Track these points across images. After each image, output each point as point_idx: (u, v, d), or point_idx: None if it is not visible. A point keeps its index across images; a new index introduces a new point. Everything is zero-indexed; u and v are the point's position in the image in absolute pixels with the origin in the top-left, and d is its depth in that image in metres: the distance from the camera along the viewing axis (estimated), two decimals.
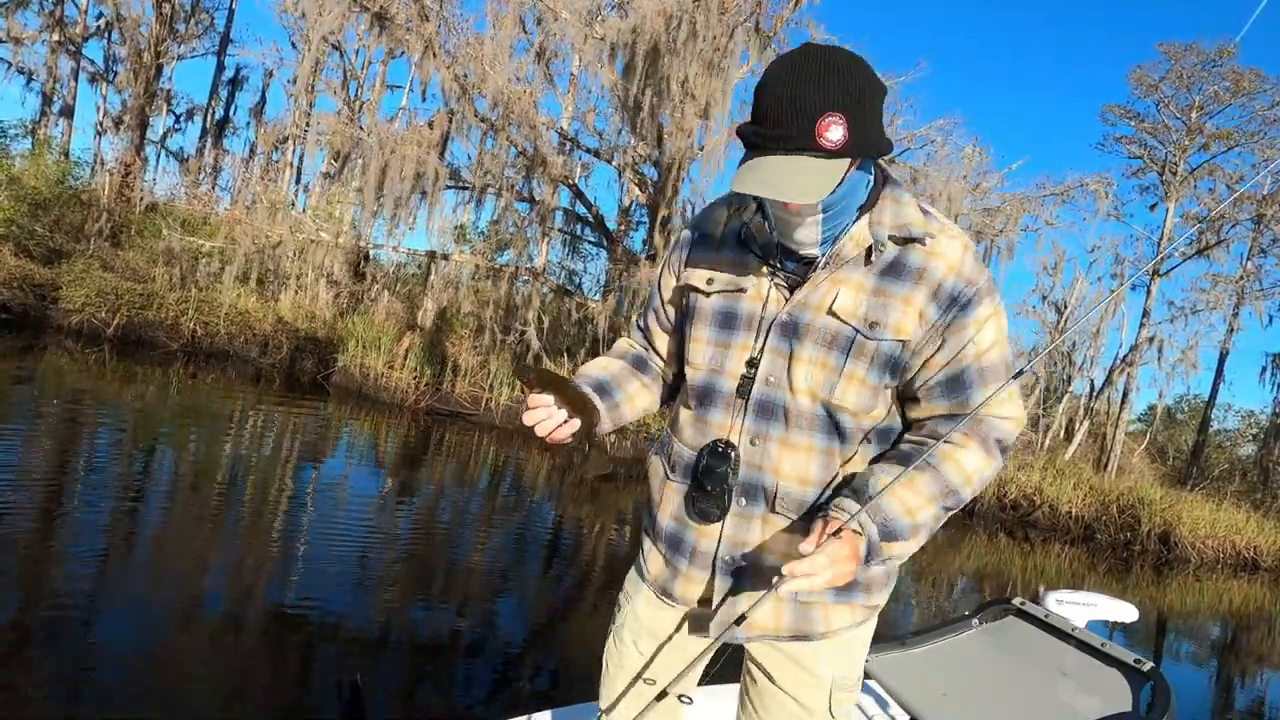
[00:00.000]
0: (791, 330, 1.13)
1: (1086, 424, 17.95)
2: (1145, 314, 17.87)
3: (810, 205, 1.02)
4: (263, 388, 10.28)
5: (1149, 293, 17.97)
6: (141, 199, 15.59)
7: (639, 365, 1.35)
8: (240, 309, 11.99)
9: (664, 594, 1.28)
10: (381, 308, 13.12)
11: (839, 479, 1.14)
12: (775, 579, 1.02)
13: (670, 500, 1.25)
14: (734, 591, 1.19)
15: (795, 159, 0.99)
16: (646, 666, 1.30)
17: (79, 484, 4.90)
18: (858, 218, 1.11)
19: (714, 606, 1.20)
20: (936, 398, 1.12)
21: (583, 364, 1.39)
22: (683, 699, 1.30)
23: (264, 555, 4.28)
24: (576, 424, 1.18)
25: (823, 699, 1.22)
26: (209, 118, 20.25)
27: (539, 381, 1.17)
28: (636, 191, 12.11)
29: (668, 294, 1.31)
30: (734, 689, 1.70)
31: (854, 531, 1.04)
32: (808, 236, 1.07)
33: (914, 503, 1.08)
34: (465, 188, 11.48)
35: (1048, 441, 16.88)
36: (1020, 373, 1.13)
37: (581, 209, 12.30)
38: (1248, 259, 18.29)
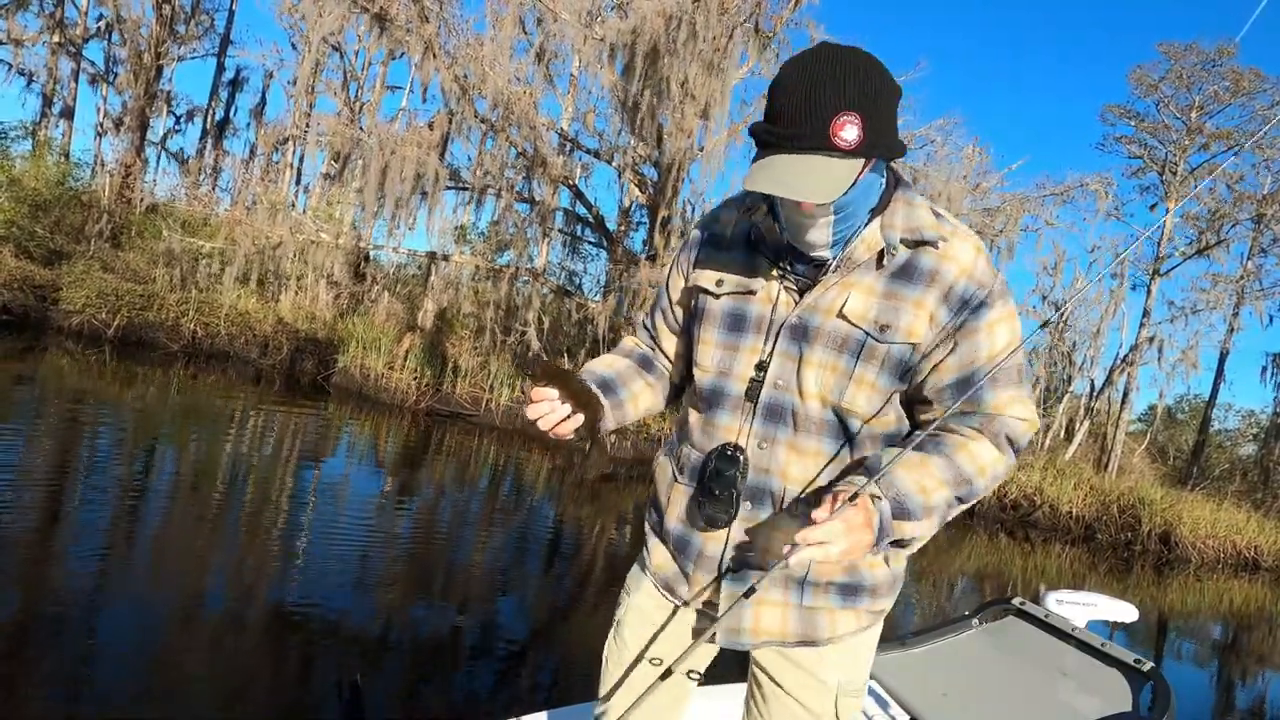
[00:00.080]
0: (801, 333, 1.12)
1: (1087, 424, 17.95)
2: (1145, 314, 17.88)
3: (823, 206, 1.01)
4: (263, 388, 10.28)
5: (1149, 292, 17.97)
6: (142, 200, 15.61)
7: (644, 364, 1.34)
8: (240, 310, 11.99)
9: (668, 591, 1.28)
10: (382, 309, 13.13)
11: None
12: (786, 548, 0.99)
13: (678, 502, 1.25)
14: (739, 598, 1.18)
15: (809, 158, 0.98)
16: (647, 648, 1.30)
17: (80, 484, 4.90)
18: (869, 220, 1.09)
19: (719, 612, 1.20)
20: (948, 399, 1.10)
21: (587, 362, 1.39)
22: (692, 675, 1.30)
23: (264, 555, 4.29)
24: (580, 419, 1.16)
25: (829, 704, 1.21)
26: (209, 119, 20.27)
27: (544, 375, 1.16)
28: (636, 192, 12.11)
29: (676, 294, 1.30)
30: (734, 689, 1.70)
31: (870, 498, 1.01)
32: (819, 238, 1.06)
33: (928, 483, 1.05)
34: (465, 188, 11.49)
35: (1048, 441, 16.87)
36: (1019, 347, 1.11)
37: (581, 209, 12.31)
38: (1248, 258, 18.30)
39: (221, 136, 20.35)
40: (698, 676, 1.30)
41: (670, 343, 1.34)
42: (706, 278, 1.22)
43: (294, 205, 18.14)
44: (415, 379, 11.08)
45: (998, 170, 14.76)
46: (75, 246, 12.52)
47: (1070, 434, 18.05)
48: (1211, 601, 9.47)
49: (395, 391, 10.99)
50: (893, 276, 1.09)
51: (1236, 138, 17.46)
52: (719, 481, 1.14)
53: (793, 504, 1.14)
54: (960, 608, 5.97)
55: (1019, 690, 2.09)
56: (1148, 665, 1.97)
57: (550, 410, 1.14)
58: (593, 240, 13.02)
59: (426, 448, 8.98)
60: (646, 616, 1.30)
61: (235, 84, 20.30)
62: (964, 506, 1.09)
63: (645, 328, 1.38)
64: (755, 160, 1.02)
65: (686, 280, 1.27)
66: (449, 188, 11.30)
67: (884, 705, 2.07)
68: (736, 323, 1.17)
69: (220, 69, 19.86)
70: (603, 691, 1.34)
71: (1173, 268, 18.21)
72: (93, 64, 18.83)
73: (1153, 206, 18.91)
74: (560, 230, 12.64)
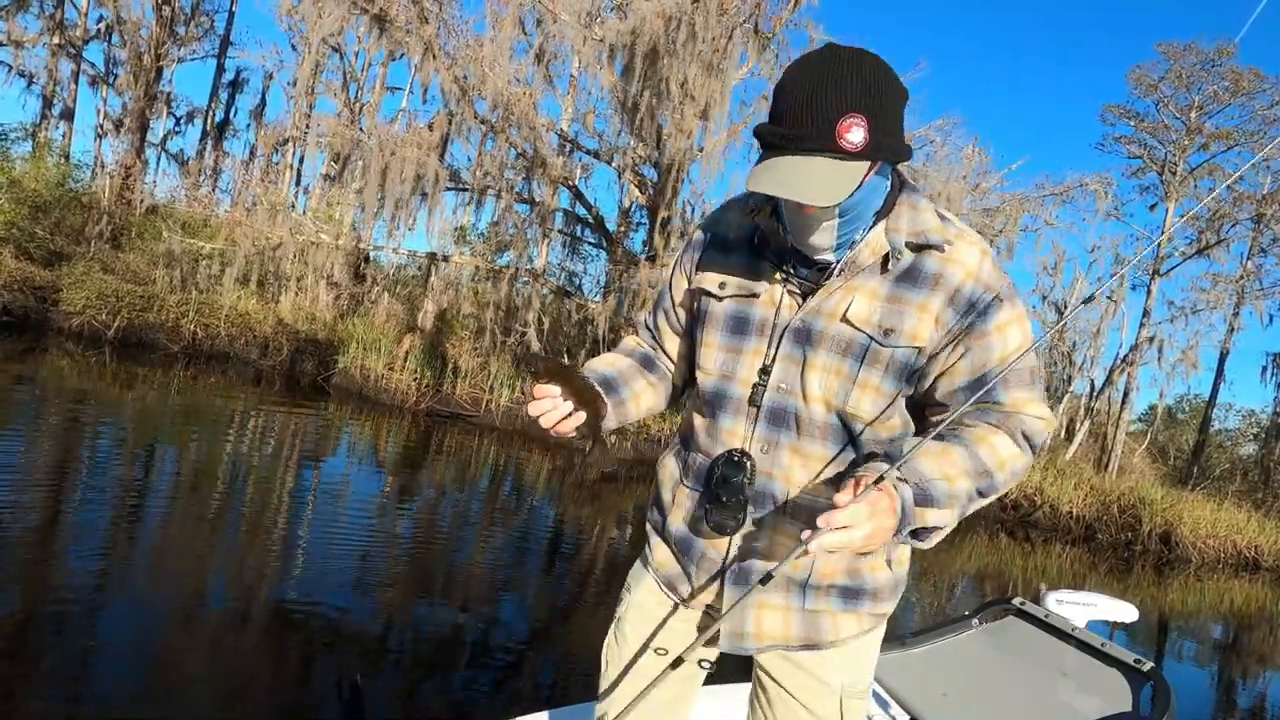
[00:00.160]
0: (805, 337, 1.11)
1: (1087, 424, 17.95)
2: (1145, 314, 17.88)
3: (827, 208, 1.00)
4: (263, 389, 10.28)
5: (1149, 292, 17.98)
6: (142, 201, 15.62)
7: (646, 364, 1.33)
8: (240, 311, 11.99)
9: (670, 589, 1.27)
10: (382, 309, 13.13)
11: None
12: (806, 534, 0.95)
13: (682, 504, 1.24)
14: (741, 603, 1.17)
15: (813, 160, 0.97)
16: (647, 644, 1.29)
17: (80, 485, 4.90)
18: (874, 224, 1.08)
19: (722, 615, 1.19)
20: (961, 401, 1.09)
21: (588, 360, 1.38)
22: (703, 664, 1.30)
23: (264, 556, 4.29)
24: (582, 417, 1.15)
25: (834, 706, 1.21)
26: (209, 120, 20.28)
27: (546, 372, 1.14)
28: (636, 193, 12.11)
29: (679, 296, 1.30)
30: (734, 689, 1.70)
31: (894, 484, 0.97)
32: (822, 241, 1.05)
33: (950, 471, 1.02)
34: (465, 189, 11.49)
35: (1049, 441, 16.86)
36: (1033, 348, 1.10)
37: (581, 210, 12.31)
38: (1248, 258, 18.31)
39: (221, 138, 20.38)
40: (709, 666, 1.30)
41: (672, 343, 1.33)
42: (709, 280, 1.21)
43: (294, 206, 18.15)
44: (415, 380, 11.08)
45: (997, 170, 14.78)
46: (75, 248, 12.52)
47: (1070, 434, 18.05)
48: (1212, 601, 9.47)
49: (395, 392, 10.99)
50: (897, 280, 1.08)
51: (1237, 137, 17.48)
52: (726, 488, 1.13)
53: (795, 508, 1.13)
54: (960, 608, 5.97)
55: (1019, 690, 2.09)
56: (1148, 665, 1.97)
57: (552, 408, 1.13)
58: (592, 241, 13.02)
59: (426, 448, 8.98)
60: (648, 613, 1.30)
61: (235, 85, 20.33)
62: (983, 502, 1.06)
63: (647, 328, 1.38)
64: (759, 161, 1.01)
65: (689, 282, 1.26)
66: (449, 189, 11.30)
67: (884, 705, 2.07)
68: (739, 326, 1.17)
69: (220, 70, 19.89)
70: (603, 688, 1.33)
71: (1173, 268, 18.23)
72: (93, 65, 18.86)
73: (1152, 206, 18.94)
74: (560, 231, 12.64)
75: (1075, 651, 2.11)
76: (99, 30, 18.38)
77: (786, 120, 0.98)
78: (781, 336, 1.12)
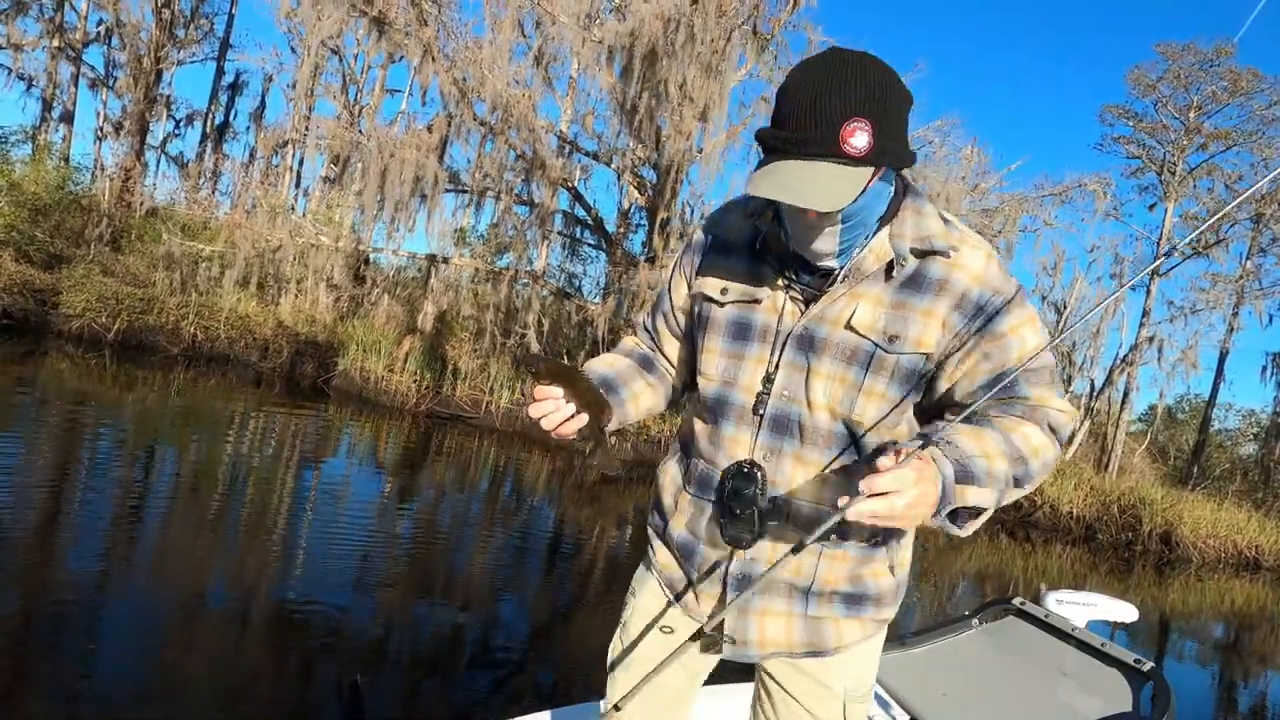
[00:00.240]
0: (808, 344, 1.10)
1: (1087, 424, 17.94)
2: (1145, 314, 17.89)
3: (829, 214, 0.99)
4: (263, 392, 10.28)
5: (1149, 292, 17.99)
6: (142, 204, 15.62)
7: (645, 365, 1.32)
8: (240, 313, 12.00)
9: (673, 592, 1.27)
10: (381, 311, 13.13)
11: (854, 493, 1.12)
12: (842, 501, 0.91)
13: (684, 510, 1.23)
14: (744, 608, 1.18)
15: (816, 164, 0.95)
16: (649, 642, 1.29)
17: (80, 487, 4.90)
18: (878, 229, 1.07)
19: (724, 622, 1.19)
20: (983, 402, 1.06)
21: (587, 361, 1.36)
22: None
23: (265, 557, 4.29)
24: (584, 419, 1.12)
25: (837, 711, 1.22)
26: (209, 123, 20.29)
27: (547, 372, 1.11)
28: (635, 194, 12.12)
29: (679, 299, 1.28)
30: (734, 688, 1.70)
31: (933, 458, 0.93)
32: (825, 247, 1.04)
33: (989, 450, 0.98)
34: (464, 191, 11.50)
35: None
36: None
37: (581, 212, 12.32)
38: (1247, 258, 18.32)
39: (221, 140, 20.39)
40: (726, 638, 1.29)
41: (672, 346, 1.32)
42: (711, 285, 1.19)
43: (293, 208, 18.15)
44: (415, 381, 11.08)
45: (996, 171, 14.82)
46: (75, 250, 12.53)
47: (1070, 434, 18.03)
48: (1212, 601, 9.47)
49: (395, 394, 10.99)
50: (901, 287, 1.07)
51: (1235, 137, 17.49)
52: (739, 500, 1.11)
53: (797, 520, 1.12)
54: (960, 608, 5.97)
55: (1019, 690, 2.09)
56: (1148, 665, 1.97)
57: (554, 409, 1.10)
58: (592, 242, 13.03)
59: (426, 450, 8.98)
60: (653, 617, 1.29)
61: (235, 88, 20.35)
62: (1017, 493, 1.02)
63: (646, 329, 1.36)
64: (760, 165, 1.00)
65: (690, 286, 1.25)
66: (448, 190, 11.31)
67: (884, 705, 2.07)
68: (741, 331, 1.16)
69: (220, 73, 19.90)
70: (610, 692, 1.33)
71: (1172, 268, 18.23)
72: (92, 68, 18.87)
73: (1151, 206, 18.95)
74: (559, 232, 12.65)
75: (1075, 651, 2.11)
76: (99, 33, 18.40)
77: (789, 124, 0.97)
78: (784, 343, 1.11)
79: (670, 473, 1.29)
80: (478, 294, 12.04)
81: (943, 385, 1.10)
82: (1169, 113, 18.07)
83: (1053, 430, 1.06)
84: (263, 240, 11.46)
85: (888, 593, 1.20)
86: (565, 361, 1.17)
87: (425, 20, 10.35)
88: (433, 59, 10.34)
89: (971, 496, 0.95)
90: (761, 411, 1.13)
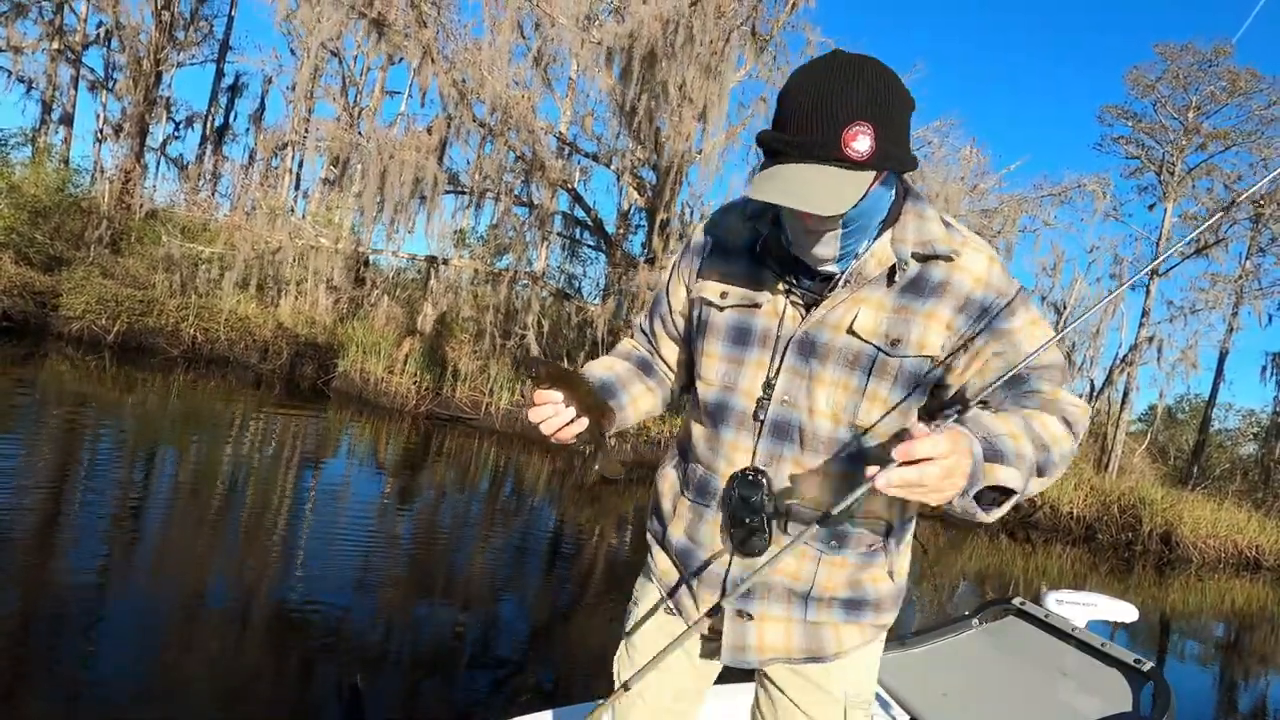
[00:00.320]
0: (809, 349, 1.09)
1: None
2: (1144, 314, 17.89)
3: (830, 219, 0.97)
4: (263, 393, 10.28)
5: (1148, 292, 17.99)
6: (141, 206, 15.62)
7: (644, 368, 1.31)
8: (240, 315, 12.00)
9: (674, 601, 1.26)
10: (381, 313, 13.13)
11: (858, 502, 1.10)
12: (873, 470, 0.86)
13: (683, 516, 1.23)
14: (742, 614, 1.17)
15: (818, 168, 0.95)
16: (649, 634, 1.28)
17: (80, 489, 4.90)
18: (879, 234, 1.06)
19: (723, 627, 1.19)
20: (1000, 397, 1.05)
21: (585, 364, 1.36)
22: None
23: (265, 558, 4.29)
24: (585, 423, 1.10)
25: (837, 715, 1.21)
26: (208, 124, 20.30)
27: (547, 376, 1.09)
28: (635, 195, 12.13)
29: (677, 303, 1.27)
30: (734, 688, 1.70)
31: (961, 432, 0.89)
32: (825, 252, 1.03)
33: (1014, 431, 0.95)
34: (464, 192, 11.50)
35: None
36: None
37: (580, 213, 12.33)
38: (1246, 258, 18.33)
39: (221, 142, 20.40)
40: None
41: (670, 349, 1.31)
42: (710, 289, 1.18)
43: (293, 210, 18.14)
44: (415, 383, 11.09)
45: (995, 171, 14.83)
46: (75, 253, 12.53)
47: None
48: (1213, 601, 9.46)
49: (395, 395, 10.99)
50: (903, 291, 1.06)
51: (1234, 137, 17.50)
52: (747, 509, 1.10)
53: (796, 527, 1.12)
54: (961, 608, 5.97)
55: (1019, 690, 2.09)
56: (1148, 665, 1.97)
57: (554, 414, 1.09)
58: (592, 243, 13.04)
59: (426, 451, 8.98)
60: (657, 624, 1.29)
61: (234, 90, 20.36)
62: (1040, 482, 0.97)
63: (643, 332, 1.35)
64: (761, 168, 0.99)
65: (689, 289, 1.24)
66: (448, 192, 11.31)
67: (884, 705, 2.07)
68: (741, 336, 1.15)
69: (219, 75, 19.92)
70: (620, 705, 1.32)
71: (1171, 267, 18.23)
72: (92, 71, 18.88)
73: (1151, 206, 18.96)
74: (559, 234, 12.65)
75: (1075, 651, 2.11)
76: (98, 35, 18.41)
77: (791, 127, 0.96)
78: (785, 349, 1.10)
79: (669, 478, 1.29)
80: (477, 295, 12.04)
81: (953, 386, 1.09)
82: (1168, 113, 18.08)
83: (1068, 424, 1.04)
84: (262, 242, 11.46)
85: (887, 598, 1.20)
86: (565, 364, 1.15)
87: (424, 22, 10.35)
88: (432, 60, 10.34)
89: (1000, 475, 0.91)
90: (762, 417, 1.12)
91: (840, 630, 1.18)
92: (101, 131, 18.97)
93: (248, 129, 20.94)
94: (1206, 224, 1.10)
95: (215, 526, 4.67)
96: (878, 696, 2.09)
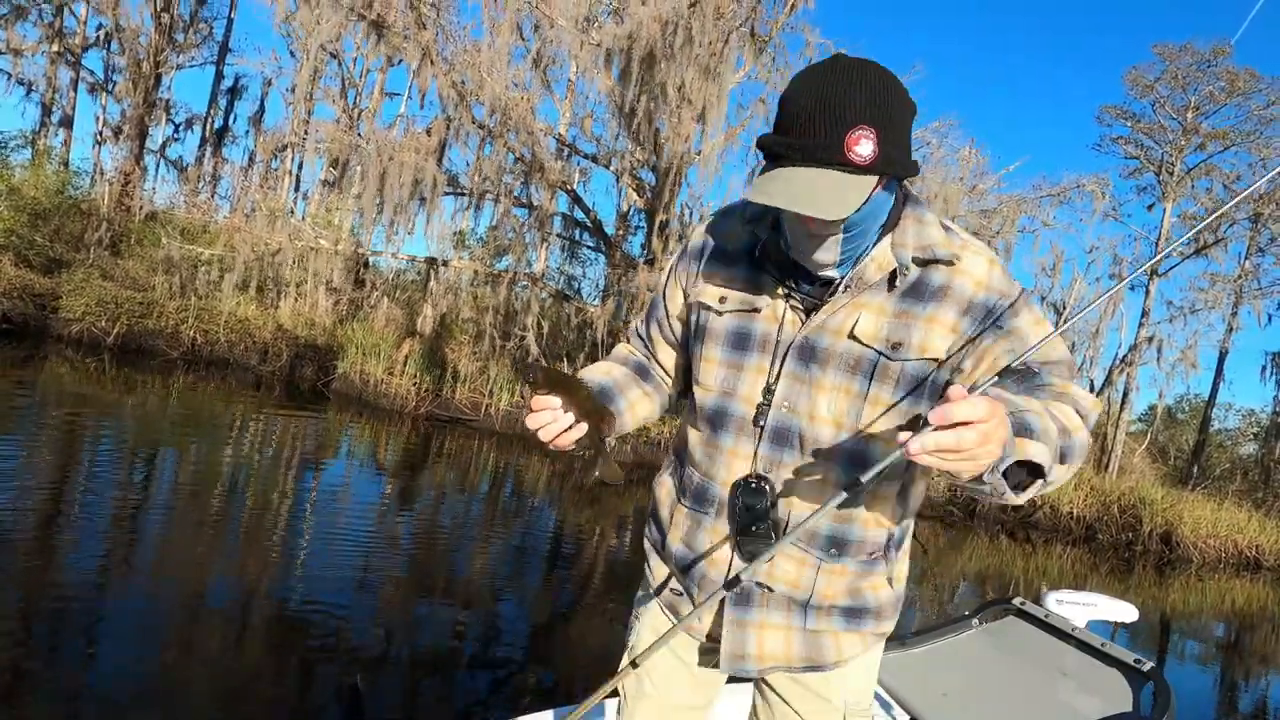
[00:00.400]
0: (809, 354, 1.08)
1: None
2: (1144, 314, 17.90)
3: (833, 223, 0.97)
4: (263, 395, 10.28)
5: (1147, 292, 18.00)
6: (141, 208, 15.63)
7: (640, 372, 1.29)
8: (240, 317, 12.01)
9: (673, 613, 1.25)
10: (381, 314, 13.13)
11: (857, 510, 1.10)
12: (903, 436, 0.82)
13: (680, 524, 1.21)
14: (742, 621, 1.16)
15: (821, 172, 0.94)
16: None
17: (80, 491, 4.90)
18: (878, 239, 1.06)
19: (722, 635, 1.18)
20: (1011, 385, 1.01)
21: (582, 368, 1.34)
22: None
23: (265, 560, 4.29)
24: (584, 429, 1.07)
25: None
26: (208, 126, 20.31)
27: (546, 381, 1.05)
28: (634, 196, 12.14)
29: (674, 307, 1.25)
30: (734, 688, 1.70)
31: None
32: (826, 257, 1.02)
33: (1038, 410, 0.92)
34: (463, 194, 11.51)
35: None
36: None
37: (580, 214, 12.34)
38: (1245, 258, 18.34)
39: (220, 144, 20.40)
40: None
41: (667, 355, 1.30)
42: (709, 293, 1.17)
43: (293, 212, 18.14)
44: (415, 384, 11.09)
45: (994, 172, 14.82)
46: (75, 255, 12.54)
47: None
48: (1213, 601, 9.46)
49: (395, 397, 10.99)
50: (904, 295, 1.06)
51: (1233, 138, 17.52)
52: (753, 516, 1.09)
53: (796, 533, 1.11)
54: (961, 608, 5.97)
55: (1019, 690, 2.09)
56: (1148, 665, 1.97)
57: (552, 420, 1.05)
58: (591, 245, 13.04)
59: (426, 453, 8.98)
60: (659, 639, 1.27)
61: (234, 92, 20.37)
62: (1062, 470, 0.92)
63: (640, 337, 1.33)
64: (763, 172, 0.98)
65: (687, 294, 1.22)
66: (447, 193, 11.32)
67: (884, 705, 2.07)
68: (740, 341, 1.13)
69: (219, 77, 19.93)
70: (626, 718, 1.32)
71: (1171, 268, 18.24)
72: (92, 73, 18.89)
73: (1150, 207, 18.98)
74: (558, 235, 12.66)
75: (1075, 651, 2.11)
76: (98, 38, 18.42)
77: (793, 130, 0.95)
78: (785, 354, 1.09)
79: (665, 486, 1.27)
80: (477, 297, 12.05)
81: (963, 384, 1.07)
82: (1167, 113, 18.10)
83: (1082, 416, 1.01)
84: (262, 244, 11.47)
85: (887, 605, 1.19)
86: (564, 370, 1.13)
87: (424, 24, 10.36)
88: (431, 62, 10.35)
89: (1030, 450, 0.86)
90: (762, 423, 1.10)
91: (840, 638, 1.17)
92: (101, 134, 18.98)
93: (247, 131, 20.97)
94: (1211, 216, 1.10)
95: (215, 528, 4.66)
96: (877, 696, 2.09)
